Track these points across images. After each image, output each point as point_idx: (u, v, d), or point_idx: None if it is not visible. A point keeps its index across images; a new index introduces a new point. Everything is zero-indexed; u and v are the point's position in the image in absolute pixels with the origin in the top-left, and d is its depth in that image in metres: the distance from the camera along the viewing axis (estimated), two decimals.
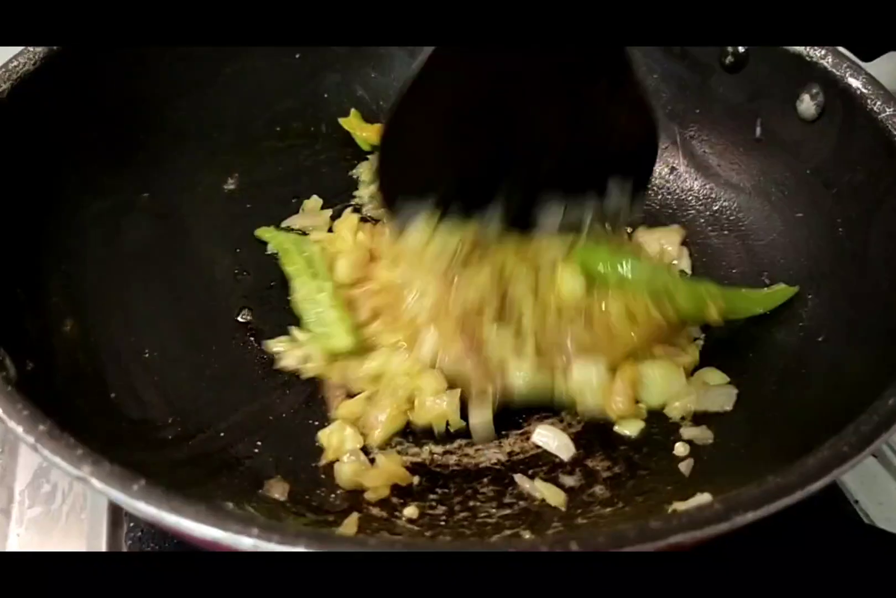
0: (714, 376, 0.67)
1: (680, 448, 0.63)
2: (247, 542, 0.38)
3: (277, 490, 0.58)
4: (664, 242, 0.79)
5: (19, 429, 0.42)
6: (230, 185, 0.83)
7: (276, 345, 0.70)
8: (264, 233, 0.80)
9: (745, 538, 0.43)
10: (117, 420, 0.59)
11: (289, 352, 0.69)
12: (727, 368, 0.68)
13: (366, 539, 0.39)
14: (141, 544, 0.63)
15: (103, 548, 0.63)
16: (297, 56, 0.86)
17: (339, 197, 0.85)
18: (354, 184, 0.86)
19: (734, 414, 0.64)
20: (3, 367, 0.48)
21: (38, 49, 0.67)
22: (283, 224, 0.81)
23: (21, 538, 0.64)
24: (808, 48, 0.70)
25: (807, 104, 0.72)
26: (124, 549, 0.63)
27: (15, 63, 0.65)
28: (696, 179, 0.83)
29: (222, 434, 0.62)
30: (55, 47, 0.67)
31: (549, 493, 0.60)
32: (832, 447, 0.43)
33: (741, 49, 0.76)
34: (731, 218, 0.79)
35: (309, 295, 0.72)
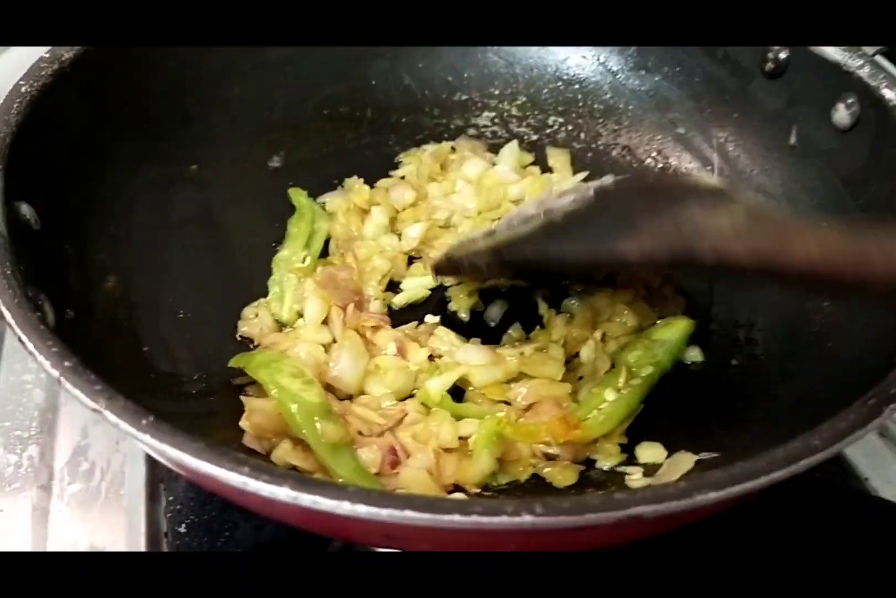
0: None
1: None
2: (237, 479, 0.41)
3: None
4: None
5: (47, 363, 0.46)
6: (275, 162, 0.87)
7: (247, 310, 0.74)
8: (295, 193, 0.84)
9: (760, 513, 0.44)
10: (147, 371, 0.63)
11: (248, 320, 0.73)
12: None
13: (345, 487, 0.41)
14: (180, 516, 0.65)
15: (143, 522, 0.65)
16: None
17: (378, 179, 0.88)
18: (395, 167, 0.90)
19: None
20: (42, 310, 0.53)
21: None
22: (319, 199, 0.85)
23: (62, 514, 0.67)
24: (846, 57, 0.70)
25: (842, 113, 0.72)
26: (164, 523, 0.65)
27: None
28: (728, 182, 0.84)
29: (242, 395, 0.66)
30: None
31: None
32: (803, 441, 0.44)
33: (782, 55, 0.76)
34: None
35: (289, 259, 0.78)
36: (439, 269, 0.72)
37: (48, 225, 0.62)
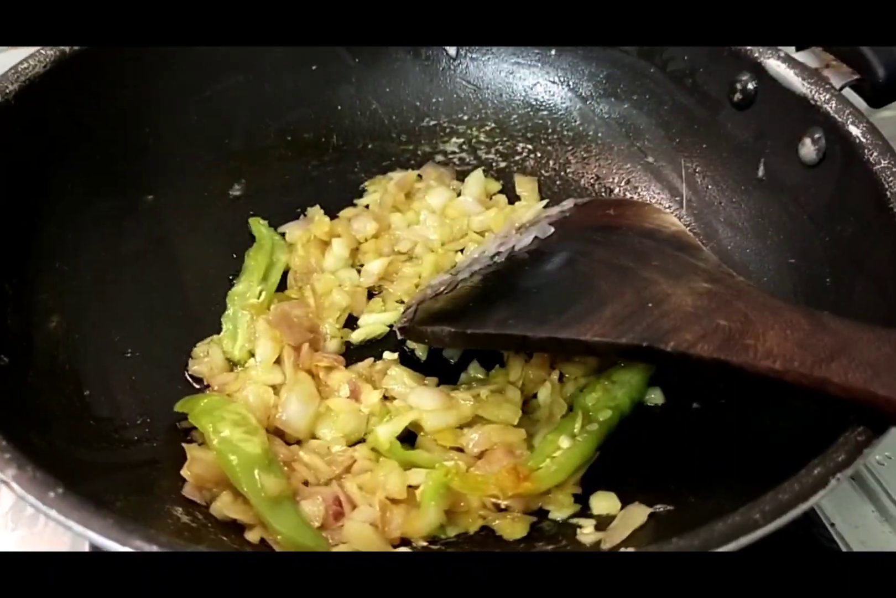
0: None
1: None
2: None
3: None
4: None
5: None
6: (236, 191, 0.85)
7: (198, 348, 0.72)
8: (255, 223, 0.82)
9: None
10: (86, 418, 0.61)
11: (199, 358, 0.72)
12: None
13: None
14: None
15: None
16: (314, 68, 0.88)
17: (342, 208, 0.86)
18: (360, 195, 0.88)
19: None
20: None
21: (49, 52, 0.69)
22: (280, 229, 0.83)
23: None
24: (813, 91, 0.69)
25: (808, 148, 0.70)
26: None
27: (25, 65, 0.68)
28: (696, 214, 0.82)
29: (185, 442, 0.64)
30: (66, 50, 0.69)
31: None
32: (744, 516, 0.42)
33: (750, 85, 0.75)
34: (724, 256, 0.77)
35: (244, 294, 0.76)
36: (404, 333, 0.70)
37: None
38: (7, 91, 0.67)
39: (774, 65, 0.72)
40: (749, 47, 0.74)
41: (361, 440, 0.66)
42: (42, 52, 0.70)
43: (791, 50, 0.75)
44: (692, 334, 0.55)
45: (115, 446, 0.61)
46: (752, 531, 0.41)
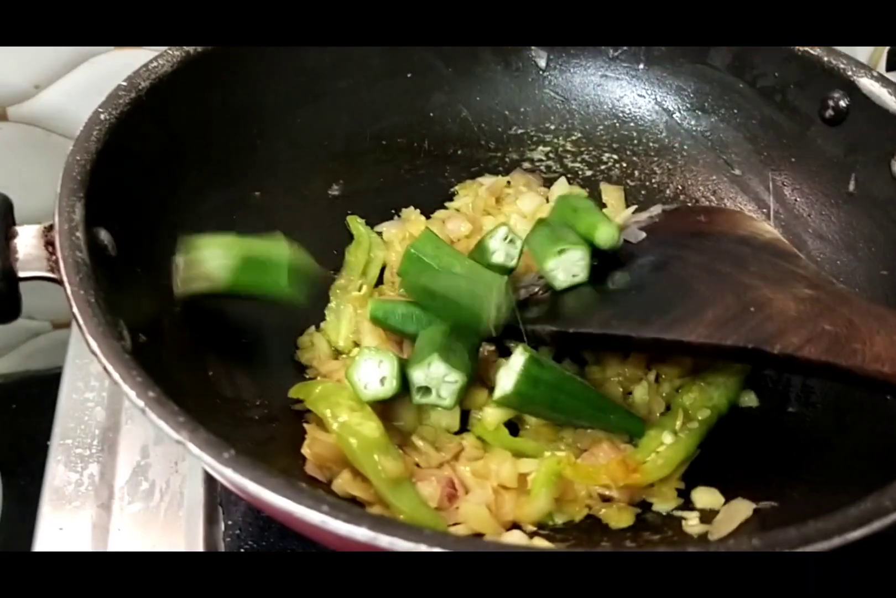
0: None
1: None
2: (315, 517, 0.42)
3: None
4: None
5: (132, 393, 0.47)
6: (334, 191, 0.89)
7: (303, 337, 0.75)
8: (353, 221, 0.86)
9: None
10: (213, 397, 0.65)
11: (305, 347, 0.75)
12: None
13: (420, 529, 0.42)
14: (239, 541, 0.65)
15: (200, 545, 0.65)
16: (409, 75, 0.91)
17: (433, 210, 0.89)
18: (450, 199, 0.91)
19: None
20: (122, 337, 0.54)
21: (175, 52, 0.73)
22: (376, 228, 0.87)
23: (121, 533, 0.67)
24: None
25: None
26: (222, 547, 0.65)
27: (155, 64, 0.72)
28: (784, 226, 0.84)
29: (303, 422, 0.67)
30: (189, 51, 0.74)
31: None
32: (874, 501, 0.44)
33: (842, 103, 0.77)
34: None
35: (345, 287, 0.79)
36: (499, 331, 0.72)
37: (123, 250, 0.64)
38: (140, 87, 0.71)
39: (868, 83, 0.75)
40: (842, 66, 0.76)
41: (465, 430, 0.68)
42: (169, 52, 0.74)
43: (881, 70, 0.78)
44: (798, 337, 0.57)
45: (239, 423, 0.64)
46: (885, 515, 0.43)
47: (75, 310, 0.52)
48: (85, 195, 0.61)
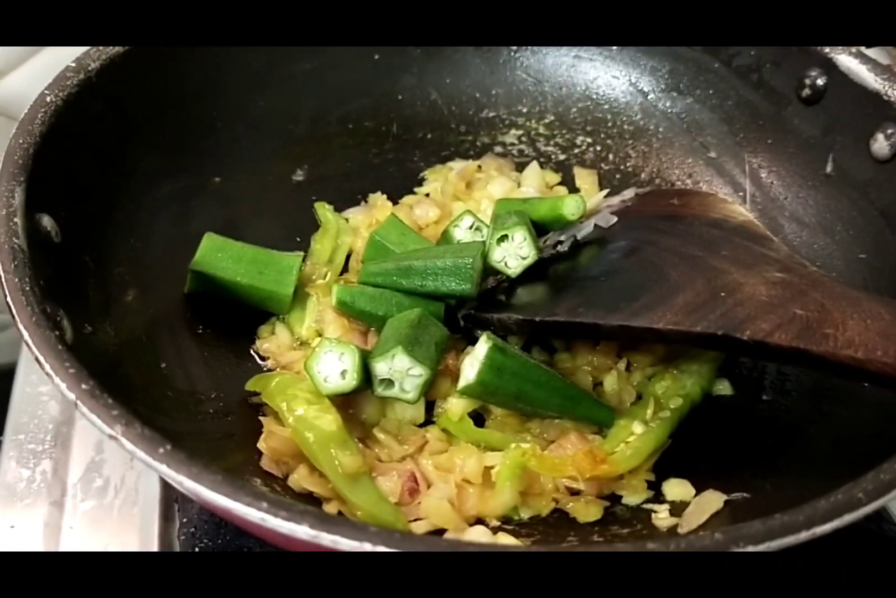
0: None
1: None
2: (254, 514, 0.40)
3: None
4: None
5: (63, 385, 0.45)
6: (298, 176, 0.86)
7: (264, 327, 0.73)
8: (321, 207, 0.83)
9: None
10: (165, 389, 0.62)
11: (265, 337, 0.72)
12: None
13: (365, 527, 0.40)
14: (194, 539, 0.63)
15: (155, 543, 0.63)
16: (376, 57, 0.88)
17: (402, 196, 0.87)
18: (419, 184, 0.89)
19: None
20: (60, 327, 0.51)
21: None
22: (343, 214, 0.84)
23: (74, 531, 0.65)
24: (886, 86, 0.69)
25: (881, 144, 0.70)
26: (177, 545, 0.63)
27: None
28: (760, 209, 0.82)
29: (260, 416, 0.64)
30: None
31: None
32: (846, 493, 0.42)
33: (819, 81, 0.75)
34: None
35: (309, 275, 0.77)
36: (469, 320, 0.70)
37: (69, 238, 0.61)
38: (90, 68, 0.68)
39: (846, 60, 0.72)
40: None
41: (431, 422, 0.66)
42: None
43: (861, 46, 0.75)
44: (768, 323, 0.55)
45: (193, 417, 0.61)
46: (855, 508, 0.41)
47: (8, 299, 0.50)
48: (26, 180, 0.58)
